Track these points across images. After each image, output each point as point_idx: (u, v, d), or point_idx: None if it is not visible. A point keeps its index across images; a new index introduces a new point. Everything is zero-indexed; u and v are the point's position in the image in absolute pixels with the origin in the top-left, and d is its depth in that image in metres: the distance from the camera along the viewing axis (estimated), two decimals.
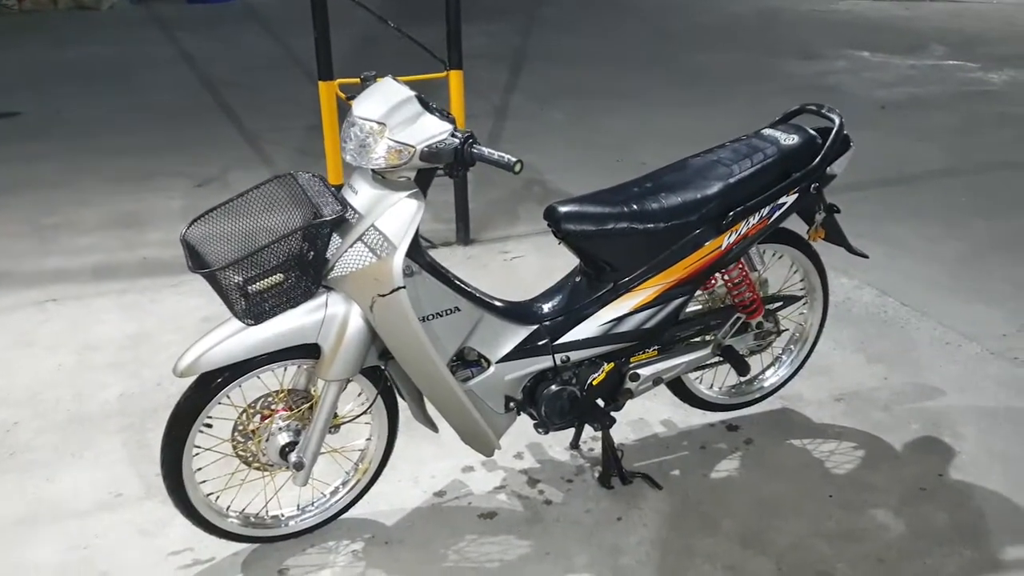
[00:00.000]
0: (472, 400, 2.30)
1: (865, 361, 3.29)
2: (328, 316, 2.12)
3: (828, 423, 2.93)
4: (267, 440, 2.26)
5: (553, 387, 2.38)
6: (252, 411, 2.27)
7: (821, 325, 2.91)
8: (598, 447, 2.66)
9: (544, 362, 2.38)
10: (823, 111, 2.58)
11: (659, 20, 11.09)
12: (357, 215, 2.08)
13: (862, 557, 2.35)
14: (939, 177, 5.37)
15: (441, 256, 4.24)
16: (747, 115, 6.47)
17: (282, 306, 2.07)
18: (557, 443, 2.80)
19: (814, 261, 2.78)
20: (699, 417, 2.93)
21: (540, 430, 2.45)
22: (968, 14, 11.28)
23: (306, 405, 2.29)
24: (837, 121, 2.53)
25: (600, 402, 2.50)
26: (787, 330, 2.88)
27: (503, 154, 1.99)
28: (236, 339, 2.08)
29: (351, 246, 2.07)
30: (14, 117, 6.90)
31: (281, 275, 2.04)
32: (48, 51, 9.34)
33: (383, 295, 2.07)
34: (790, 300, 2.78)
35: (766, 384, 2.93)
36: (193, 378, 2.13)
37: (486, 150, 2.00)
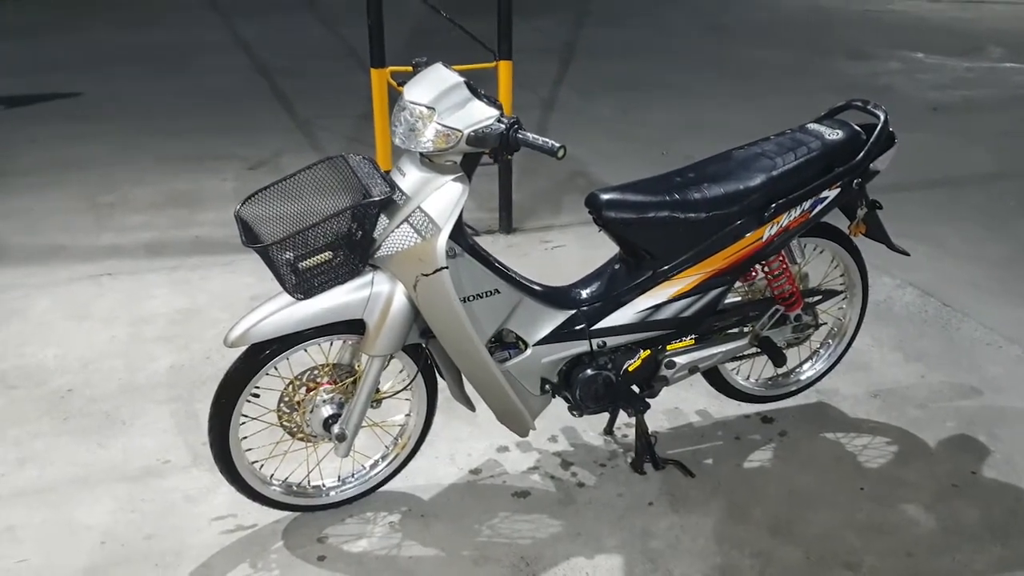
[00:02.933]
0: (509, 381, 2.36)
1: (903, 359, 3.29)
2: (374, 294, 2.19)
3: (863, 418, 2.94)
4: (311, 412, 2.34)
5: (589, 371, 2.43)
6: (298, 383, 2.35)
7: (860, 320, 2.92)
8: (632, 433, 2.70)
9: (581, 346, 2.43)
10: (869, 107, 2.59)
11: (709, 14, 11.03)
12: (404, 197, 2.14)
13: (890, 550, 2.37)
14: (986, 180, 5.31)
15: (484, 244, 4.28)
16: (795, 112, 6.40)
17: (330, 283, 2.14)
18: (591, 428, 2.85)
19: (855, 257, 2.79)
20: (734, 408, 2.96)
21: (574, 413, 2.50)
22: None
23: (350, 379, 2.37)
24: (882, 117, 2.54)
25: (635, 388, 2.54)
26: (825, 324, 2.90)
27: (547, 139, 2.04)
28: (285, 313, 2.16)
29: (397, 227, 2.14)
30: (75, 97, 7.10)
31: (330, 253, 2.12)
32: (110, 34, 9.56)
33: (426, 275, 2.14)
34: (829, 294, 2.80)
35: (803, 377, 2.95)
36: (243, 349, 2.22)
37: (531, 135, 2.05)
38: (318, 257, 2.12)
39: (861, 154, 2.50)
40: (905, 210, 4.65)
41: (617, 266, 2.51)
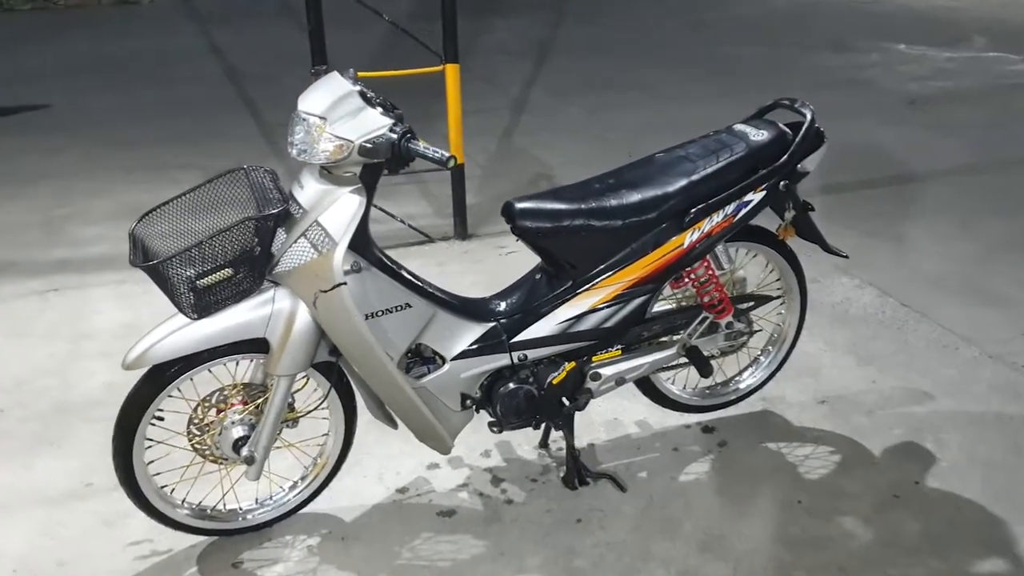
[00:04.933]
0: (425, 398, 2.28)
1: (856, 363, 3.21)
2: (275, 311, 2.12)
3: (808, 426, 2.86)
4: (220, 433, 2.27)
5: (510, 385, 2.36)
6: (207, 404, 2.28)
7: (799, 326, 2.84)
8: (564, 445, 2.63)
9: (501, 360, 2.36)
10: (796, 106, 2.51)
11: (690, 11, 10.93)
12: (301, 210, 2.07)
13: (822, 565, 2.29)
14: (960, 174, 5.21)
15: (438, 251, 4.25)
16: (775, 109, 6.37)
17: (228, 300, 2.08)
18: (527, 442, 2.77)
19: (790, 260, 2.71)
20: (676, 419, 2.88)
21: (495, 429, 2.42)
22: (1016, 5, 10.92)
23: (261, 399, 2.30)
24: (808, 116, 2.46)
25: (561, 401, 2.46)
26: (762, 331, 2.81)
27: (437, 149, 1.97)
28: (184, 332, 2.09)
29: (295, 241, 2.07)
30: (43, 109, 7.04)
31: (229, 270, 2.05)
32: (85, 45, 9.51)
33: (325, 291, 2.07)
34: (763, 300, 2.72)
35: (742, 386, 2.87)
36: (143, 370, 2.15)
37: (422, 145, 1.98)
38: (216, 275, 2.05)
39: (786, 155, 2.42)
40: (873, 207, 4.57)
41: (537, 276, 2.44)
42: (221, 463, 2.31)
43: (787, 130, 2.47)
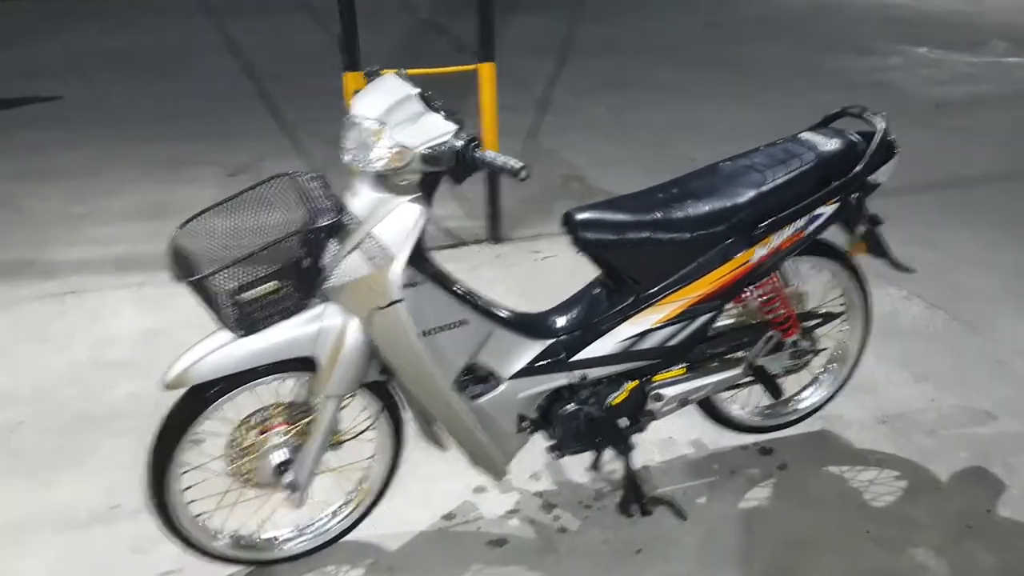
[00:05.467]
0: (481, 419, 2.15)
1: (911, 379, 3.07)
2: (324, 328, 1.99)
3: (869, 448, 2.73)
4: (262, 457, 2.13)
5: (570, 407, 2.22)
6: (248, 426, 2.14)
7: (863, 344, 2.70)
8: (620, 467, 2.49)
9: (560, 379, 2.22)
10: (865, 115, 2.38)
11: (708, 12, 10.80)
12: (355, 221, 1.93)
13: None
14: (996, 180, 5.08)
15: (470, 254, 4.11)
16: (794, 111, 6.23)
17: (275, 316, 1.93)
18: (578, 464, 2.63)
19: (855, 276, 2.57)
20: (731, 438, 2.75)
21: (555, 453, 2.28)
22: None
23: (307, 420, 2.16)
24: (880, 126, 2.32)
25: (621, 423, 2.32)
26: (825, 349, 2.67)
27: (508, 158, 1.83)
28: (228, 350, 1.95)
29: (348, 254, 1.93)
30: (55, 101, 6.90)
31: (275, 283, 1.91)
32: (96, 37, 9.37)
33: (381, 308, 1.93)
34: (829, 317, 2.58)
35: (802, 405, 2.73)
36: (183, 390, 2.01)
37: (490, 154, 1.84)
38: (262, 288, 1.91)
39: (859, 166, 2.28)
40: (911, 213, 4.44)
41: (597, 291, 2.30)
42: (263, 488, 2.18)
43: (858, 139, 2.34)
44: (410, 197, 1.93)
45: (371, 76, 2.07)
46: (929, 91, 7.08)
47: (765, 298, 2.39)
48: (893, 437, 2.77)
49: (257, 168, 5.34)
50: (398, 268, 1.91)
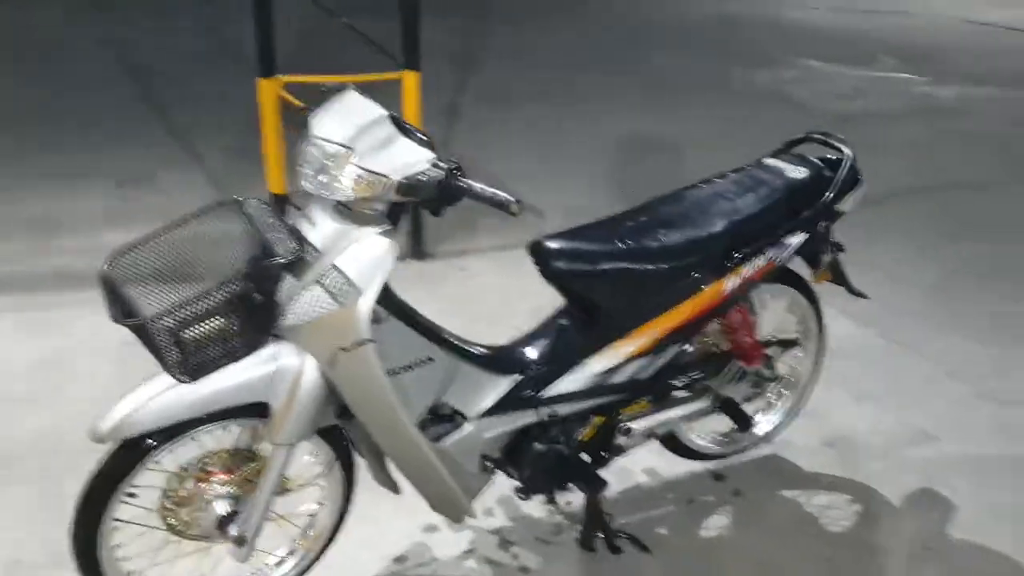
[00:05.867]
0: (445, 462, 2.00)
1: (851, 400, 3.08)
2: (279, 370, 1.80)
3: (819, 471, 2.71)
4: (203, 509, 1.93)
5: (539, 446, 2.10)
6: (185, 474, 1.93)
7: (816, 370, 2.68)
8: (577, 500, 2.38)
9: (529, 417, 2.10)
10: (831, 140, 2.35)
11: (615, 18, 10.86)
12: (315, 252, 1.76)
13: None
14: (904, 196, 5.23)
15: (392, 273, 3.93)
16: (707, 122, 6.31)
17: (224, 359, 1.74)
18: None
19: (813, 303, 2.54)
20: (685, 466, 2.67)
21: (521, 495, 2.16)
22: (919, 28, 11.29)
23: (250, 467, 1.96)
24: (848, 153, 2.30)
25: (590, 460, 2.22)
26: (782, 376, 2.64)
27: (496, 191, 1.69)
28: (169, 397, 1.75)
29: (307, 289, 1.76)
30: None
31: (224, 322, 1.72)
32: None
33: (346, 348, 1.76)
34: (787, 344, 2.55)
35: (758, 432, 2.69)
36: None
37: (477, 185, 1.70)
38: (208, 325, 1.71)
39: (829, 194, 2.25)
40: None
41: (563, 321, 2.18)
42: (201, 541, 1.97)
43: (823, 165, 2.31)
44: (379, 228, 1.77)
45: (327, 93, 1.90)
46: (828, 105, 7.28)
47: (731, 328, 2.32)
48: (840, 461, 2.76)
49: (150, 179, 5.02)
50: (366, 305, 1.75)
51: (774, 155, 2.39)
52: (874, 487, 2.65)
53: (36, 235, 4.20)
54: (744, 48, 9.44)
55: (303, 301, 1.76)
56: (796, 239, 2.25)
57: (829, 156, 2.38)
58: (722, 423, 2.59)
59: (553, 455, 2.11)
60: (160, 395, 1.74)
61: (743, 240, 2.17)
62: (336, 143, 1.71)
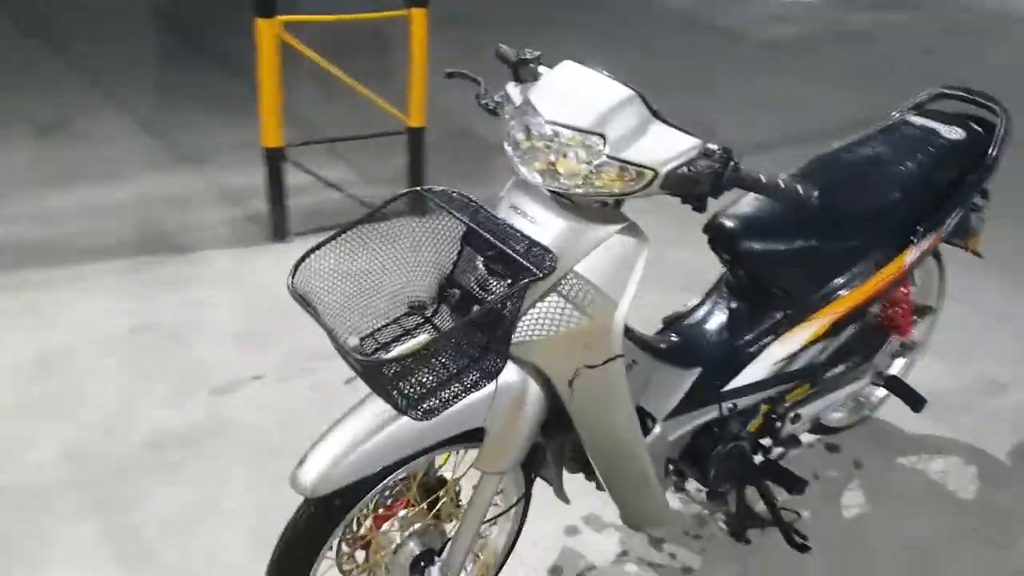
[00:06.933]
0: (654, 469, 1.81)
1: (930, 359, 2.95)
2: (500, 390, 1.54)
3: (921, 434, 2.65)
4: (388, 549, 1.67)
5: (723, 442, 1.92)
6: (365, 511, 1.66)
7: (931, 332, 2.62)
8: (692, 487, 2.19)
9: (712, 413, 1.92)
10: (978, 98, 2.23)
11: None
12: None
13: None
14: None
15: (392, 227, 3.60)
16: (633, 51, 6.21)
17: (467, 392, 1.46)
18: None
19: (941, 268, 2.46)
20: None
21: (708, 503, 1.99)
22: None
23: (440, 495, 1.71)
24: (1002, 113, 2.18)
25: (775, 452, 2.07)
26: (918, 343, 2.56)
27: (785, 180, 1.45)
28: (389, 433, 1.47)
29: (542, 300, 1.50)
30: None
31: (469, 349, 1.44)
32: None
33: (593, 366, 1.52)
34: (925, 311, 2.46)
35: (874, 399, 2.60)
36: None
37: (761, 175, 1.46)
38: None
39: (993, 154, 2.14)
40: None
41: (734, 305, 2.00)
42: None
43: (973, 123, 2.20)
44: (620, 225, 1.51)
45: (523, 63, 1.63)
46: (760, 34, 7.25)
47: (893, 302, 2.21)
48: (934, 421, 2.71)
49: (71, 126, 4.50)
50: (621, 316, 1.50)
51: (917, 113, 2.25)
52: (978, 445, 2.63)
53: None
54: None
55: (538, 314, 1.50)
56: (972, 205, 2.14)
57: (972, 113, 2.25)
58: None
59: (738, 452, 1.95)
60: (378, 431, 1.46)
61: (923, 208, 2.03)
62: (585, 130, 1.43)
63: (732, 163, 1.44)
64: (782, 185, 1.43)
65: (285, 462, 1.49)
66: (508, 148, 1.54)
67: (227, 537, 2.14)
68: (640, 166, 1.43)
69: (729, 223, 1.86)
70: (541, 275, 1.38)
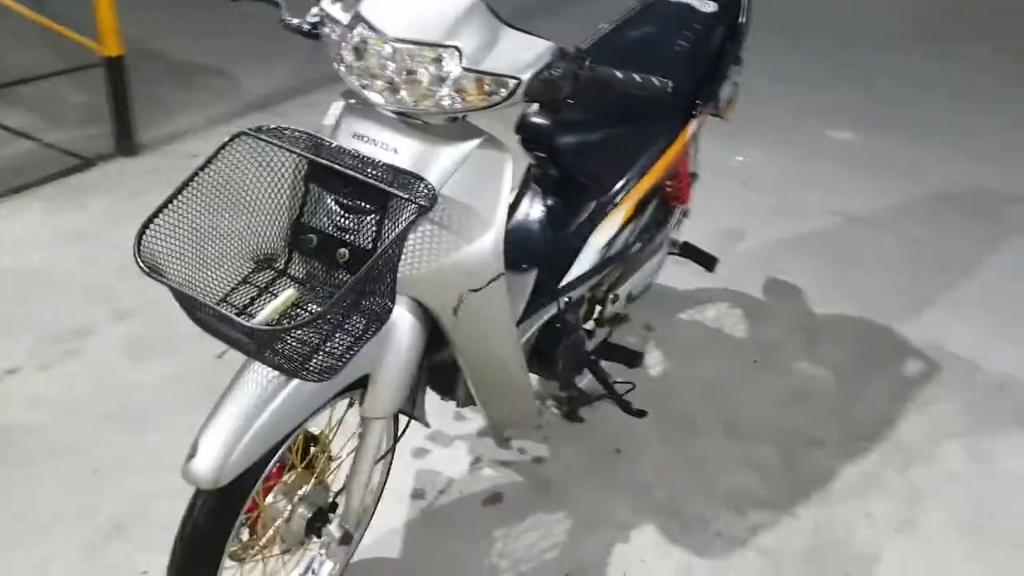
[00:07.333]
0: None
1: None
2: (383, 333, 1.46)
3: (692, 288, 2.91)
4: (285, 520, 1.56)
5: (565, 336, 1.98)
6: None
7: None
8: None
9: (551, 310, 1.97)
10: None
11: None
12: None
13: (819, 416, 2.42)
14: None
15: (106, 174, 3.25)
16: None
17: (357, 345, 1.36)
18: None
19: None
20: None
21: (563, 393, 2.06)
22: None
23: (314, 450, 1.61)
24: None
25: (606, 335, 2.17)
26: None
27: (642, 75, 1.45)
28: (284, 400, 1.35)
29: (412, 231, 1.42)
30: None
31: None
32: None
33: (477, 289, 1.49)
34: (694, 179, 2.63)
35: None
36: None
37: (618, 72, 1.46)
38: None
39: (742, 19, 2.29)
40: None
41: (550, 202, 2.03)
42: (292, 554, 1.62)
43: None
44: (478, 139, 1.46)
45: None
46: None
47: (676, 174, 2.35)
48: (698, 276, 2.91)
49: None
50: (500, 232, 1.47)
51: None
52: (735, 288, 2.94)
53: None
54: None
55: (412, 247, 1.43)
56: (732, 73, 2.30)
57: None
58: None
59: (580, 341, 2.03)
60: (271, 400, 1.35)
61: (697, 83, 2.17)
62: (435, 44, 1.34)
63: (587, 63, 1.43)
64: (638, 79, 1.45)
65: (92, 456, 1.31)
66: (341, 69, 1.41)
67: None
68: (502, 75, 1.37)
69: (539, 120, 1.86)
70: (428, 205, 1.30)
